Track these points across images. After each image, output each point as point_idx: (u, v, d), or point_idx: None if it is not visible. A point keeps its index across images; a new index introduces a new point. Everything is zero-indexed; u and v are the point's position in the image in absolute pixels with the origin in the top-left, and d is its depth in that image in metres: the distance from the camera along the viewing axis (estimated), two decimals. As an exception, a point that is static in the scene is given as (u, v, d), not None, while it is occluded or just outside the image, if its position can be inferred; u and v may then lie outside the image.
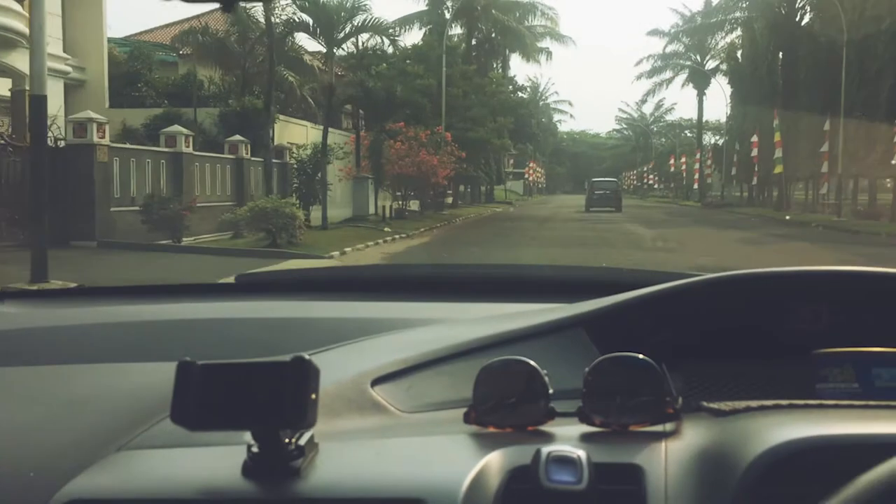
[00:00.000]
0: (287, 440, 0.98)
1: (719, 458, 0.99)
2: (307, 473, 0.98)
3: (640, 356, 1.13)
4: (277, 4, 24.24)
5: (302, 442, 0.99)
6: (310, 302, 2.00)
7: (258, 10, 24.67)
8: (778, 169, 40.41)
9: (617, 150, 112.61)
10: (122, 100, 27.91)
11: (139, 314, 1.88)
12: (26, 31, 16.67)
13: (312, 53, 30.44)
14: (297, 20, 24.52)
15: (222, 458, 1.01)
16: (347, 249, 18.48)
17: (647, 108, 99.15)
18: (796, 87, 39.70)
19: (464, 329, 1.52)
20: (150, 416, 1.18)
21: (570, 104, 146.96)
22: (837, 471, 0.85)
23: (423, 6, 50.64)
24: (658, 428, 1.11)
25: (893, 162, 30.64)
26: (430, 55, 38.08)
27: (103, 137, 17.88)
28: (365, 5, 24.98)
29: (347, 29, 25.20)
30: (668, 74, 76.93)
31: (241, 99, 26.28)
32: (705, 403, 1.16)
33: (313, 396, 0.95)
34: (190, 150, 21.29)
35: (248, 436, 0.98)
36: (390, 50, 33.80)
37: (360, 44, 31.89)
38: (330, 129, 30.39)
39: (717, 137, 77.50)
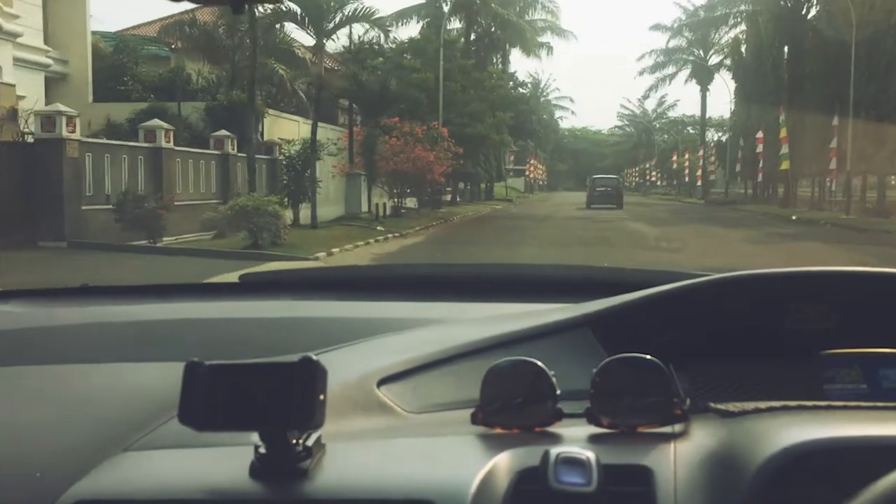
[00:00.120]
0: (294, 441, 0.97)
1: (729, 460, 0.99)
2: (315, 474, 0.98)
3: (648, 357, 1.13)
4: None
5: (309, 443, 0.99)
6: (314, 302, 2.03)
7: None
8: (784, 165, 39.74)
9: (619, 146, 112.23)
10: (107, 94, 27.05)
11: (143, 314, 1.88)
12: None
13: (308, 47, 29.58)
14: (285, 9, 23.52)
15: (229, 459, 1.01)
16: (335, 250, 17.53)
17: (650, 105, 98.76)
18: (802, 82, 39.20)
19: (469, 329, 1.51)
20: (155, 417, 1.18)
21: (572, 100, 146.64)
22: (846, 472, 0.89)
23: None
24: (666, 429, 1.11)
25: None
26: (428, 49, 37.40)
27: (73, 132, 16.90)
28: (356, -6, 24.08)
29: (337, 19, 24.26)
30: (670, 70, 76.32)
31: (228, 93, 25.33)
32: (713, 404, 1.16)
33: (321, 397, 0.95)
34: (171, 145, 20.28)
35: (255, 436, 0.97)
36: (388, 44, 32.98)
37: (356, 38, 31.12)
38: (323, 125, 29.53)
39: (720, 134, 76.99)
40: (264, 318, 1.84)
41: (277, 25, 25.55)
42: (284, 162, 24.85)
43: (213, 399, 0.96)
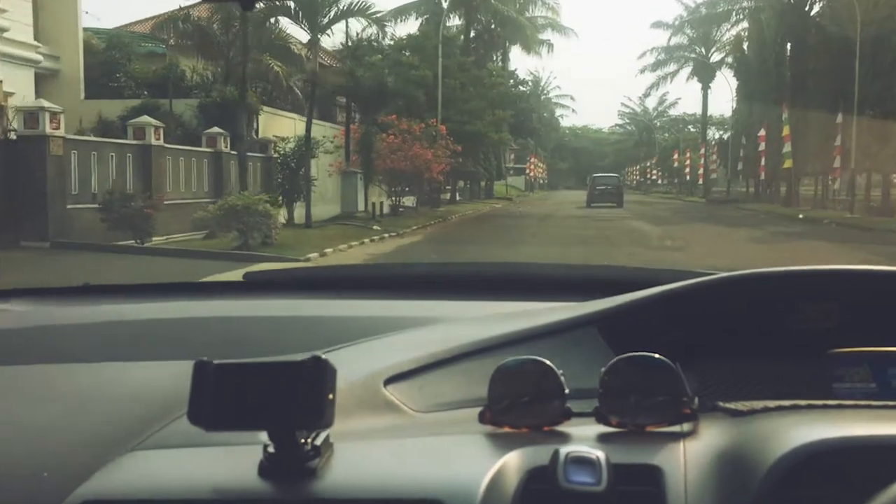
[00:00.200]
0: (303, 440, 0.97)
1: (739, 460, 0.99)
2: (323, 474, 0.97)
3: (657, 356, 1.12)
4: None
5: (318, 442, 0.99)
6: (319, 300, 2.02)
7: None
8: (787, 164, 39.34)
9: (619, 145, 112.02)
10: (99, 91, 26.58)
11: (147, 312, 1.86)
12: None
13: (304, 43, 29.12)
14: (279, 3, 23.00)
15: (238, 459, 1.01)
16: (328, 251, 17.05)
17: (651, 103, 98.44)
18: (806, 79, 38.87)
19: (475, 328, 1.50)
20: (162, 416, 1.18)
21: (573, 98, 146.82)
22: (857, 472, 0.90)
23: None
24: (675, 428, 1.10)
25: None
26: (427, 45, 37.02)
27: (58, 128, 16.38)
28: (351, -13, 23.56)
29: (332, 13, 23.75)
30: (671, 68, 75.75)
31: (222, 89, 24.84)
32: (721, 403, 1.16)
33: (330, 397, 0.95)
34: (160, 142, 19.74)
35: (263, 436, 0.97)
36: (386, 41, 32.53)
37: (354, 34, 30.65)
38: (319, 122, 29.11)
39: (722, 132, 76.64)
40: (268, 317, 1.83)
41: (273, 20, 25.05)
42: (279, 160, 24.40)
43: (223, 399, 0.96)
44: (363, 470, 1.00)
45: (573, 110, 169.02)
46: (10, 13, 20.77)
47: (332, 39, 27.28)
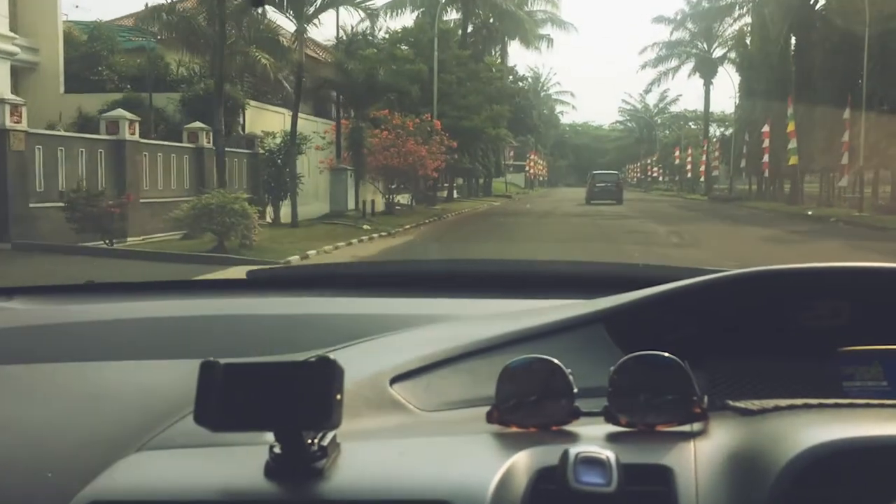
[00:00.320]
0: (310, 441, 0.97)
1: (751, 460, 0.98)
2: (330, 474, 0.97)
3: (666, 354, 1.12)
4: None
5: (324, 442, 0.98)
6: (323, 298, 2.01)
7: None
8: (792, 160, 38.44)
9: (620, 142, 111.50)
10: (80, 85, 25.62)
11: (151, 310, 1.87)
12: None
13: (292, 34, 28.14)
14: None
15: (244, 459, 1.01)
16: (311, 252, 16.03)
17: (651, 100, 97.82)
18: (811, 74, 38.16)
19: (482, 326, 1.50)
20: (167, 415, 1.17)
21: (573, 95, 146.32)
22: (870, 472, 0.90)
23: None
24: (685, 428, 1.10)
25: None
26: (422, 39, 36.08)
27: (19, 122, 15.29)
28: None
29: (319, 2, 22.68)
30: (673, 63, 74.87)
31: (207, 83, 23.81)
32: (731, 402, 1.15)
33: (338, 397, 0.95)
34: (135, 137, 18.69)
35: (269, 436, 0.97)
36: (381, 34, 31.59)
37: (349, 28, 29.66)
38: (309, 117, 28.10)
39: (723, 129, 75.71)
40: (272, 315, 1.81)
41: (258, 11, 24.00)
42: (265, 156, 23.38)
43: (229, 399, 0.94)
44: (370, 470, 1.00)
45: (573, 107, 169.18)
46: (-18, 3, 19.80)
47: (327, 33, 26.44)
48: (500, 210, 38.63)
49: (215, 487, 0.97)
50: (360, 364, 1.28)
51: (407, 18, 47.78)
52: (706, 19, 68.62)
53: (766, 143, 43.27)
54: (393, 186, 29.50)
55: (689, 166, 73.65)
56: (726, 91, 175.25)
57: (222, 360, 0.96)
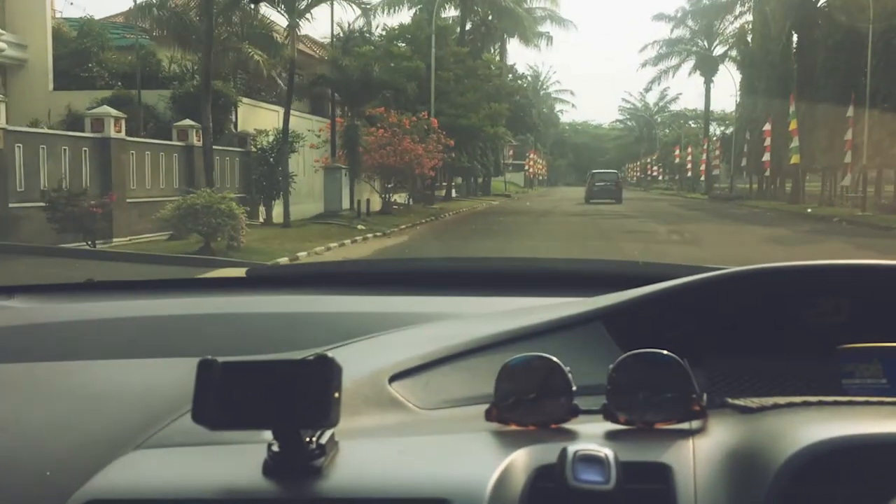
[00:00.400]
0: (308, 439, 0.97)
1: (750, 458, 0.98)
2: (329, 472, 0.97)
3: (665, 352, 1.12)
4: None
5: (323, 440, 0.98)
6: (321, 296, 2.00)
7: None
8: (794, 159, 38.02)
9: (620, 140, 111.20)
10: (70, 82, 25.17)
11: (151, 309, 1.87)
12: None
13: (285, 29, 27.65)
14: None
15: (242, 457, 1.00)
16: (301, 254, 15.54)
17: (651, 98, 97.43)
18: (813, 71, 37.86)
19: (481, 324, 1.50)
20: (166, 414, 1.17)
21: (572, 93, 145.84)
22: (869, 470, 0.90)
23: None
24: (684, 425, 1.10)
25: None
26: (420, 36, 35.62)
27: (-5, 119, 14.82)
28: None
29: (311, -4, 22.19)
30: (673, 61, 74.47)
31: (197, 79, 23.32)
32: (731, 400, 1.15)
33: (336, 395, 0.94)
34: (121, 135, 18.19)
35: (267, 434, 0.97)
36: (378, 31, 31.13)
37: (347, 26, 29.19)
38: (304, 115, 27.62)
39: (723, 128, 75.33)
40: (272, 313, 1.81)
41: (252, 6, 23.51)
42: (257, 154, 22.89)
43: (227, 397, 0.94)
44: (369, 468, 0.99)
45: (573, 105, 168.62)
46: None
47: (324, 30, 26.04)
48: (498, 209, 38.21)
49: (213, 485, 0.96)
50: (358, 362, 1.27)
51: (405, 15, 47.27)
52: (707, 17, 68.34)
53: (768, 141, 42.89)
54: (389, 185, 29.02)
55: (689, 165, 73.33)
56: (727, 89, 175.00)
57: (220, 359, 0.95)
